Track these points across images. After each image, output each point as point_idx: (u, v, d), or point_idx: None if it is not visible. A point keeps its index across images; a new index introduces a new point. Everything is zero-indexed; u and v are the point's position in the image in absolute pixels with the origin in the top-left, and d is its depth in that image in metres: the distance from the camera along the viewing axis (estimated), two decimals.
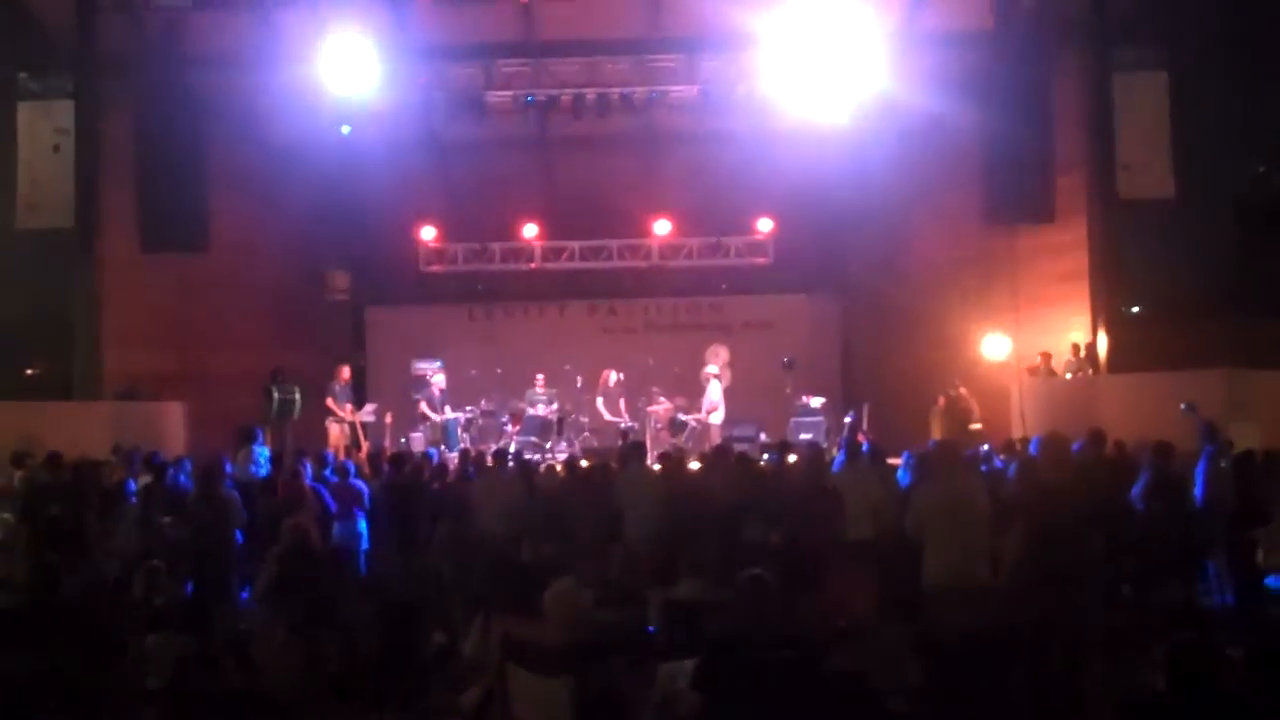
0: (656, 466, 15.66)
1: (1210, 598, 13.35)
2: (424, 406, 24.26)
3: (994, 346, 22.38)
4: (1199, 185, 23.44)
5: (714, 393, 23.89)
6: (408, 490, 15.44)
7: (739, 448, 19.42)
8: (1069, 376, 21.48)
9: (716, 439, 22.71)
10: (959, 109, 23.31)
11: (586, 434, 24.61)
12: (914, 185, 25.79)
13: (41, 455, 16.07)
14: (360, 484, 15.70)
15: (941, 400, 22.12)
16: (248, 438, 17.80)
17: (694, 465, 17.58)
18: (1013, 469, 13.88)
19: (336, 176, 26.57)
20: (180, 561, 12.78)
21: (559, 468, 18.11)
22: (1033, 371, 21.86)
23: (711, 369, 24.37)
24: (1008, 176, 21.32)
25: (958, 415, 21.50)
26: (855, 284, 28.21)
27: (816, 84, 21.75)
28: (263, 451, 18.21)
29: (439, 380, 24.51)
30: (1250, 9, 22.67)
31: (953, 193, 23.86)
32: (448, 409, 24.17)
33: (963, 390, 22.04)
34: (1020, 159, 21.21)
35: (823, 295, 28.62)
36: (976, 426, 21.53)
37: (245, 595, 13.10)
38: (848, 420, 23.41)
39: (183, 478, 15.78)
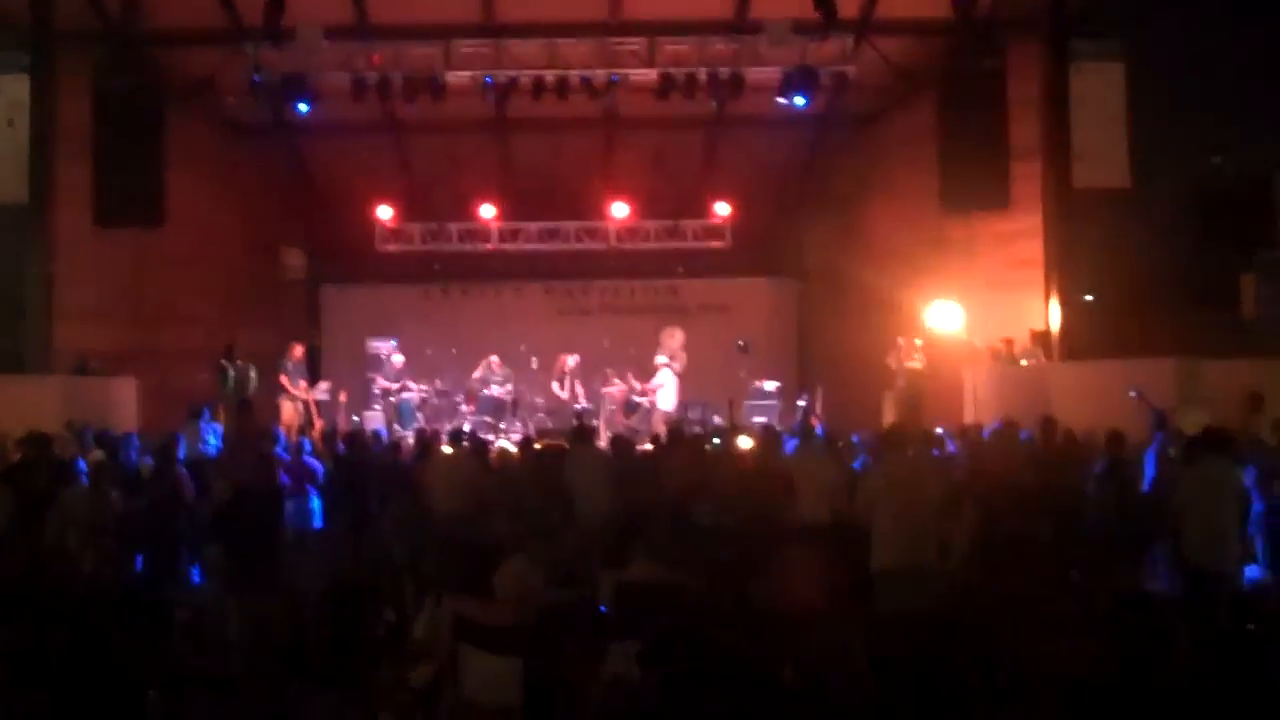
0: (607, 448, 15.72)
1: (1157, 583, 13.45)
2: (381, 381, 24.29)
3: (943, 316, 22.48)
4: (1154, 175, 23.56)
5: (663, 376, 24.02)
6: (361, 468, 15.41)
7: (691, 431, 19.49)
8: (1025, 363, 21.59)
9: (661, 422, 22.82)
10: (916, 96, 23.48)
11: (541, 415, 24.66)
12: (871, 170, 25.91)
13: None
14: (314, 461, 15.69)
15: (890, 354, 22.29)
16: (195, 415, 17.78)
17: (647, 447, 17.63)
18: (963, 454, 14.01)
19: (293, 155, 26.52)
20: (130, 538, 12.74)
21: (513, 448, 18.13)
22: (994, 355, 21.96)
23: (661, 358, 24.45)
24: (963, 164, 21.41)
25: (911, 399, 21.60)
26: (812, 268, 28.32)
27: (778, 69, 21.87)
28: (211, 429, 18.18)
29: (397, 360, 24.53)
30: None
31: (909, 178, 23.94)
32: (409, 384, 24.20)
33: (900, 341, 22.27)
34: (976, 147, 21.31)
35: (779, 279, 28.72)
36: (914, 365, 21.90)
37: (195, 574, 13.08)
38: (801, 404, 23.52)
39: (132, 454, 15.72)
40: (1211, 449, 11.49)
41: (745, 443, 16.69)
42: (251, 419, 14.72)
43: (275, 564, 10.94)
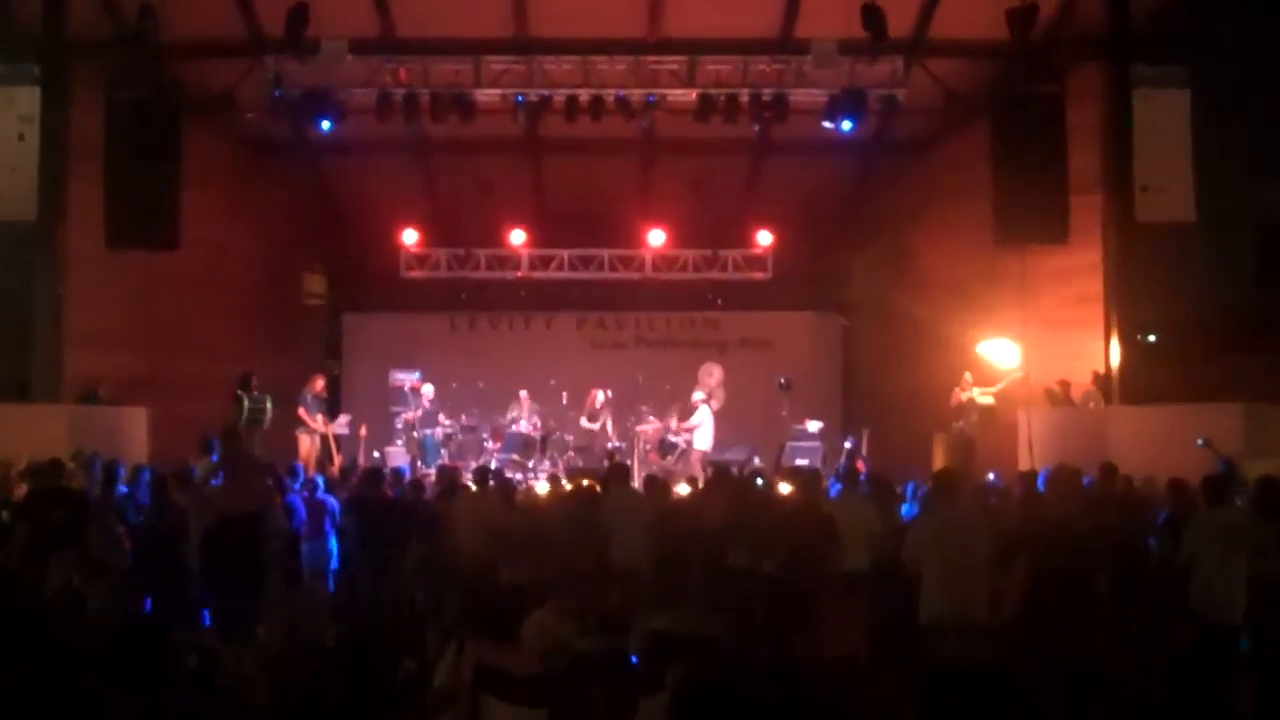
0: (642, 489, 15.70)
1: None
2: (404, 415, 24.38)
3: (998, 352, 22.46)
4: (1221, 209, 23.41)
5: (700, 414, 24.05)
6: (381, 507, 15.39)
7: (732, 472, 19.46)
8: (1091, 406, 21.46)
9: (698, 463, 22.83)
10: (969, 122, 23.44)
11: (571, 453, 24.66)
12: (921, 200, 25.91)
13: None
14: (330, 499, 15.71)
15: (955, 392, 22.27)
16: (206, 449, 17.82)
17: (683, 489, 17.62)
18: (1017, 501, 13.94)
19: (315, 175, 26.66)
20: (136, 575, 12.76)
21: (542, 488, 18.14)
22: (1050, 397, 21.86)
23: (698, 395, 24.53)
24: (1019, 194, 21.23)
25: (963, 445, 21.53)
26: (858, 302, 28.29)
27: (824, 91, 21.91)
28: None
29: (428, 390, 24.61)
30: (1277, 26, 22.70)
31: (961, 209, 23.94)
32: (441, 419, 24.30)
33: (968, 376, 22.29)
34: (1033, 176, 21.15)
35: (823, 314, 28.70)
36: (985, 400, 21.86)
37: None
38: (847, 446, 23.46)
39: (141, 488, 15.74)
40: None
41: (786, 486, 16.63)
42: (239, 446, 14.63)
43: (256, 599, 10.95)
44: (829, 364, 28.50)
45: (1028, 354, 22.58)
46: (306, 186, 27.16)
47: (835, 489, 15.70)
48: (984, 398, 22.33)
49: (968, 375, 22.50)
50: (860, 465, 21.04)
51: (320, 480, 16.41)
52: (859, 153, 26.08)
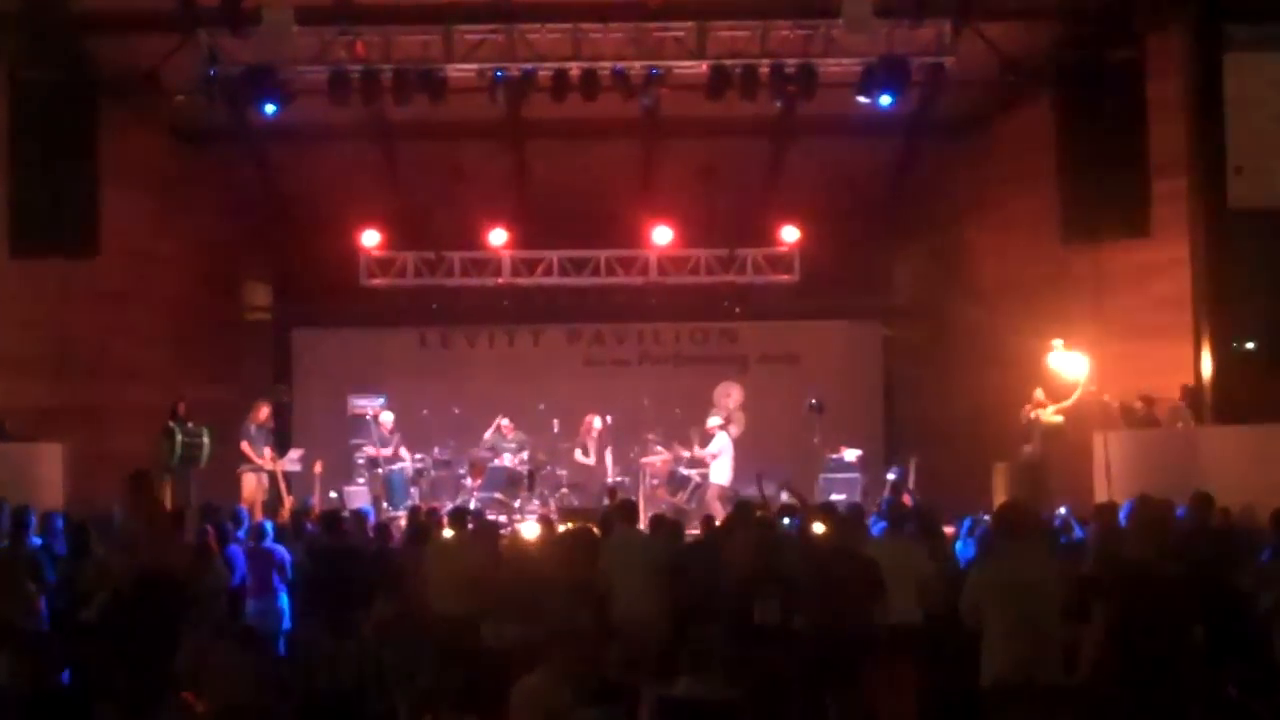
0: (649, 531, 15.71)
1: None
2: (366, 448, 24.40)
3: (1066, 363, 22.42)
4: None
5: (717, 443, 24.07)
6: (340, 557, 15.36)
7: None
8: (1179, 426, 21.38)
9: (716, 500, 22.83)
10: (1030, 95, 23.40)
11: (564, 490, 24.71)
12: (974, 187, 25.92)
13: None
14: (280, 549, 15.67)
15: (1025, 410, 22.24)
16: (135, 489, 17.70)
17: (697, 530, 17.59)
18: (1094, 540, 13.91)
19: (258, 168, 26.67)
20: (50, 642, 12.70)
21: (530, 531, 18.11)
22: (1130, 416, 21.78)
23: (714, 420, 24.58)
24: (1091, 180, 21.19)
25: (1030, 474, 21.48)
26: (901, 309, 28.33)
27: (858, 61, 21.89)
28: None
29: (387, 419, 24.64)
30: None
31: (1022, 198, 23.98)
32: (403, 452, 24.33)
33: (1039, 393, 22.26)
34: (1106, 159, 21.09)
35: (861, 323, 28.73)
36: (1053, 419, 21.80)
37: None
38: (890, 477, 23.48)
39: (57, 538, 15.68)
40: None
41: (820, 526, 16.58)
42: (149, 490, 14.50)
43: (167, 673, 10.90)
44: (868, 382, 28.58)
45: (1103, 366, 22.50)
46: (248, 182, 27.22)
47: (878, 528, 15.68)
48: (1051, 418, 22.27)
49: (1039, 392, 22.40)
50: (907, 499, 21.03)
51: (268, 526, 16.36)
52: (900, 133, 26.13)
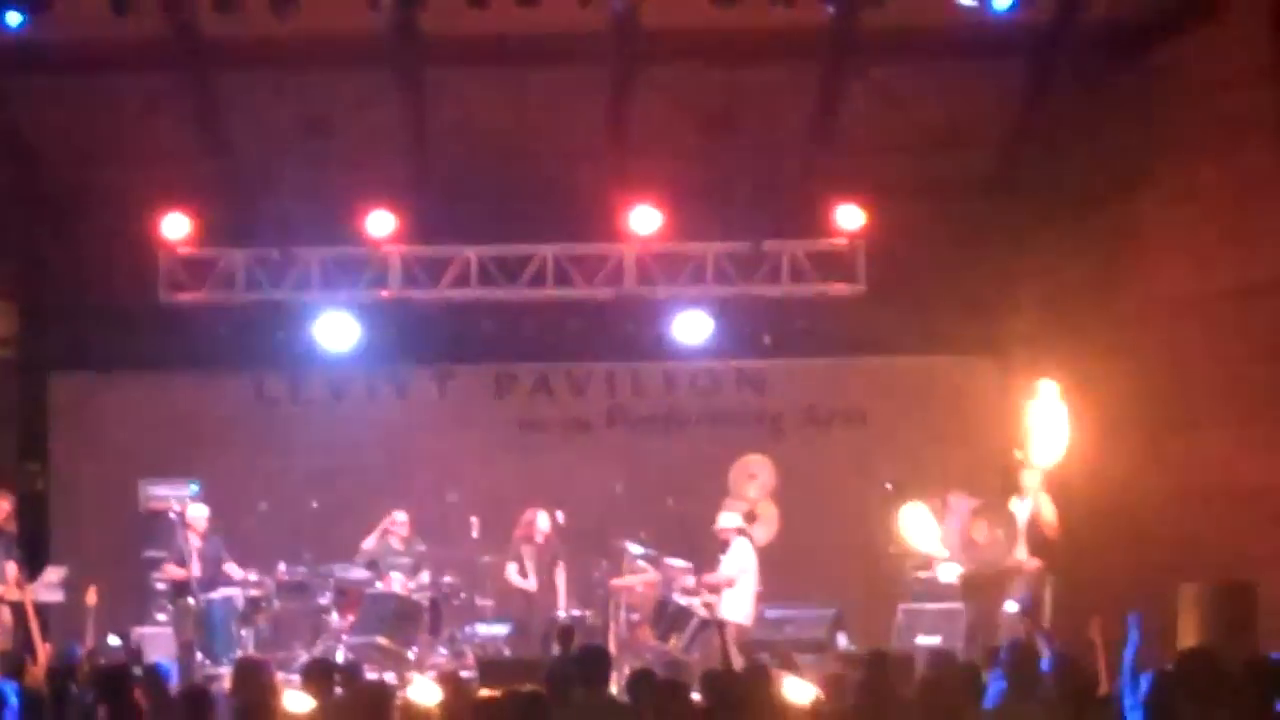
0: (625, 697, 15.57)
1: None
2: (170, 569, 24.28)
3: None
4: None
5: (735, 557, 23.89)
6: None
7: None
8: None
9: (732, 644, 22.67)
10: None
11: (486, 630, 24.58)
12: (1154, 142, 25.77)
13: None
14: None
15: None
16: None
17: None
18: None
19: None
20: None
21: (432, 698, 17.96)
22: None
23: (730, 518, 24.39)
24: None
25: (1241, 600, 21.45)
26: (1030, 337, 28.18)
27: None
28: None
29: (198, 517, 24.49)
30: None
31: (1233, 158, 23.83)
32: (229, 570, 24.23)
33: None
34: None
35: (963, 360, 28.63)
36: None
37: None
38: (1013, 608, 23.32)
39: None
40: None
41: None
42: None
43: None
44: (978, 452, 28.33)
45: None
46: None
47: (995, 690, 15.57)
48: None
49: None
50: (1039, 641, 20.91)
51: (5, 691, 16.18)
52: (1028, 57, 26.08)
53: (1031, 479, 23.65)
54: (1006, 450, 26.98)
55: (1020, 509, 23.62)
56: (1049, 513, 23.26)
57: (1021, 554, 23.36)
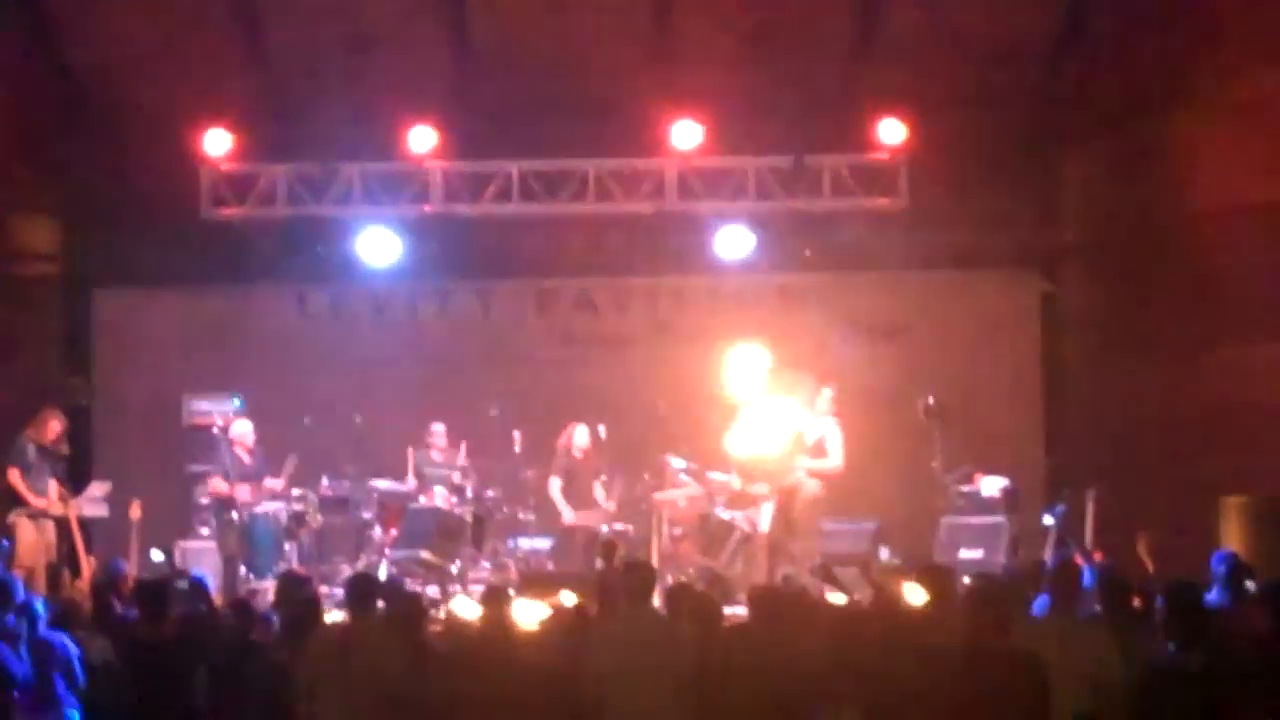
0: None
1: None
2: (214, 483, 24.25)
3: None
4: None
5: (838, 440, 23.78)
6: (169, 654, 15.23)
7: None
8: None
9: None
10: None
11: (529, 542, 24.57)
12: (1197, 53, 25.64)
13: None
14: (64, 643, 15.53)
15: None
16: None
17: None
18: None
19: (35, 30, 26.55)
20: None
21: (471, 612, 17.97)
22: None
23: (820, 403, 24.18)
24: None
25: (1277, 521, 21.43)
26: (1073, 250, 28.07)
27: None
28: None
29: (244, 433, 24.48)
30: None
31: None
32: (270, 484, 24.24)
33: None
34: None
35: (1008, 272, 28.51)
36: None
37: None
38: (1051, 521, 23.26)
39: None
40: None
41: (917, 594, 16.40)
42: None
43: None
44: (1018, 368, 28.30)
45: None
46: (18, 50, 27.06)
47: (1040, 605, 15.55)
48: None
49: None
50: (1079, 559, 20.86)
51: (38, 606, 16.14)
52: None
53: None
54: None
55: None
56: None
57: None
